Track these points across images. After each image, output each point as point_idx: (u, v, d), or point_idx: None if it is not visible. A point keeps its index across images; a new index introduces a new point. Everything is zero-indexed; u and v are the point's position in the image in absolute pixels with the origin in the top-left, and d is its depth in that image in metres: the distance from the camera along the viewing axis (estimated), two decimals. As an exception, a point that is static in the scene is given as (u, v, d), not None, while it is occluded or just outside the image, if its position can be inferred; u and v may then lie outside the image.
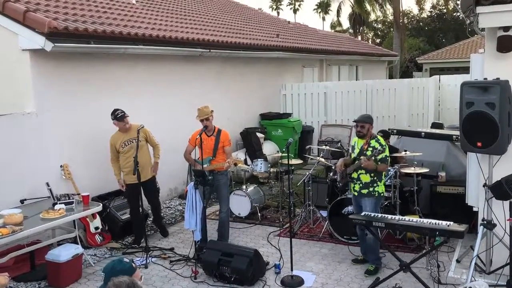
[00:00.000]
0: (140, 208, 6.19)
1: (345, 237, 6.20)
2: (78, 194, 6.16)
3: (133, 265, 2.83)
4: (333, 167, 7.07)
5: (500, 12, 4.48)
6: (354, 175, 5.40)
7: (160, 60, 8.26)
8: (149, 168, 6.39)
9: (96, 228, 6.38)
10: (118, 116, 6.12)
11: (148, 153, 6.44)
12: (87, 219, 6.30)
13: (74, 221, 5.74)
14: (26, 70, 6.11)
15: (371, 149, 5.30)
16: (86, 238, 6.29)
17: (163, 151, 6.64)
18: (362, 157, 5.24)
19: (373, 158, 5.21)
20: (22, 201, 5.80)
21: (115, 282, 2.48)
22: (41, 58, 6.17)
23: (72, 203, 5.64)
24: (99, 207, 5.87)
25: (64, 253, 5.24)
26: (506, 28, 4.54)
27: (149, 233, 6.79)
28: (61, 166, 6.40)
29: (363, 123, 5.37)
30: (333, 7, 38.56)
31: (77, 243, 5.70)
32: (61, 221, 5.28)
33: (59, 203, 5.53)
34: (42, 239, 5.71)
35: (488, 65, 4.90)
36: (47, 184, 6.02)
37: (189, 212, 5.73)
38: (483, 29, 5.00)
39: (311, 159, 8.10)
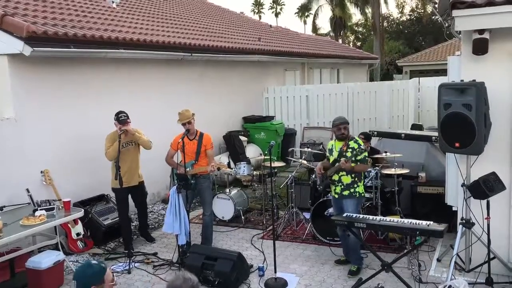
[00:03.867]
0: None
1: (328, 238, 6.24)
2: (59, 200, 6.08)
3: (103, 265, 2.81)
4: (315, 169, 7.13)
5: (475, 15, 4.58)
6: (335, 177, 5.45)
7: (142, 64, 8.22)
8: (137, 174, 6.36)
9: (78, 234, 6.31)
10: (121, 119, 6.05)
11: (137, 158, 6.38)
12: (69, 225, 6.23)
13: (55, 227, 5.67)
14: (4, 75, 6.02)
15: (350, 150, 5.36)
16: (67, 245, 6.22)
17: (145, 155, 6.60)
18: (342, 159, 5.31)
19: (352, 159, 5.28)
20: (1, 208, 5.69)
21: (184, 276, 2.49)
22: (20, 63, 6.09)
23: (53, 209, 5.56)
24: (80, 213, 5.80)
25: (45, 260, 5.17)
26: (481, 31, 4.65)
27: (132, 237, 6.73)
28: (41, 172, 6.31)
29: (346, 125, 5.45)
30: (314, 10, 38.77)
31: (59, 250, 5.63)
32: (42, 227, 5.20)
33: (40, 209, 5.45)
34: (23, 246, 5.62)
35: (464, 67, 5.01)
36: (27, 190, 5.94)
37: (172, 217, 5.70)
38: (459, 32, 5.12)
39: (294, 161, 8.15)
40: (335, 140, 5.58)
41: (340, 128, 5.43)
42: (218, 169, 6.36)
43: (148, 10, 11.28)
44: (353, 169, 5.31)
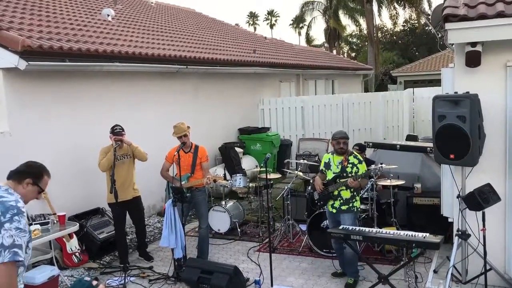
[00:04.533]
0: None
1: (324, 250, 6.22)
2: (54, 214, 6.05)
3: (94, 282, 2.79)
4: (311, 181, 7.13)
5: (467, 28, 4.62)
6: (335, 192, 5.45)
7: (137, 77, 8.24)
8: (131, 188, 6.30)
9: (73, 248, 6.25)
10: (116, 131, 6.05)
11: (132, 171, 6.32)
12: (64, 239, 6.18)
13: (50, 241, 5.64)
14: (-1, 89, 6.01)
15: (350, 165, 5.37)
16: (62, 259, 6.16)
17: (141, 168, 6.58)
18: (349, 179, 5.27)
19: (357, 178, 5.28)
20: (-5, 223, 5.65)
21: None
22: (14, 77, 6.09)
23: (47, 223, 5.54)
24: (75, 227, 5.78)
25: (39, 275, 5.12)
26: (473, 44, 4.69)
27: (128, 251, 6.68)
28: (36, 185, 6.26)
29: (346, 140, 5.45)
30: (308, 22, 39.01)
31: (53, 264, 5.59)
32: (36, 242, 5.16)
33: (34, 224, 5.42)
34: (17, 261, 5.56)
35: (458, 79, 5.04)
36: (22, 204, 5.89)
37: (168, 230, 5.67)
38: (452, 44, 5.16)
39: (290, 173, 8.15)
40: (332, 154, 5.59)
41: (339, 142, 5.43)
42: (214, 181, 6.35)
43: (143, 23, 11.33)
44: (360, 185, 5.33)
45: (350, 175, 5.32)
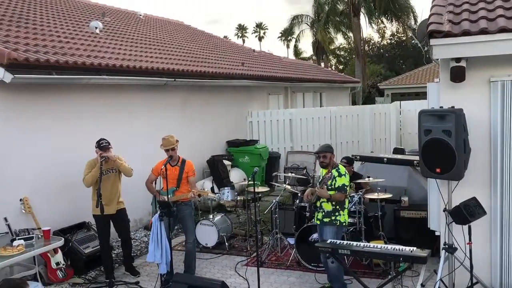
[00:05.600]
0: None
1: (312, 264, 6.20)
2: (39, 228, 5.95)
3: None
4: (299, 194, 7.14)
5: (451, 44, 4.70)
6: (317, 203, 5.48)
7: (125, 90, 8.20)
8: (116, 201, 6.22)
9: (58, 263, 6.15)
10: (102, 146, 5.98)
11: (117, 185, 6.26)
12: (48, 254, 6.08)
13: (34, 257, 5.54)
14: (-16, 102, 5.95)
15: (332, 178, 5.39)
16: (47, 274, 6.05)
17: (128, 181, 6.52)
18: (317, 186, 5.37)
19: (325, 186, 5.31)
20: (-22, 238, 5.56)
21: None
22: (0, 90, 6.02)
23: (32, 238, 5.45)
24: (60, 242, 5.69)
25: (22, 292, 5.01)
26: (458, 59, 4.77)
27: (114, 266, 6.59)
28: (21, 199, 6.19)
29: (325, 153, 5.48)
30: (296, 35, 39.29)
31: (37, 280, 5.50)
32: (20, 258, 5.08)
33: (18, 239, 5.34)
34: (-1, 277, 5.46)
35: (443, 94, 5.11)
36: (5, 219, 5.80)
37: (154, 245, 5.62)
38: (438, 59, 5.24)
39: (278, 186, 8.14)
40: (321, 168, 5.64)
41: (319, 156, 5.52)
42: (199, 195, 6.31)
43: (131, 35, 11.31)
44: (330, 197, 5.34)
45: (330, 187, 5.35)
